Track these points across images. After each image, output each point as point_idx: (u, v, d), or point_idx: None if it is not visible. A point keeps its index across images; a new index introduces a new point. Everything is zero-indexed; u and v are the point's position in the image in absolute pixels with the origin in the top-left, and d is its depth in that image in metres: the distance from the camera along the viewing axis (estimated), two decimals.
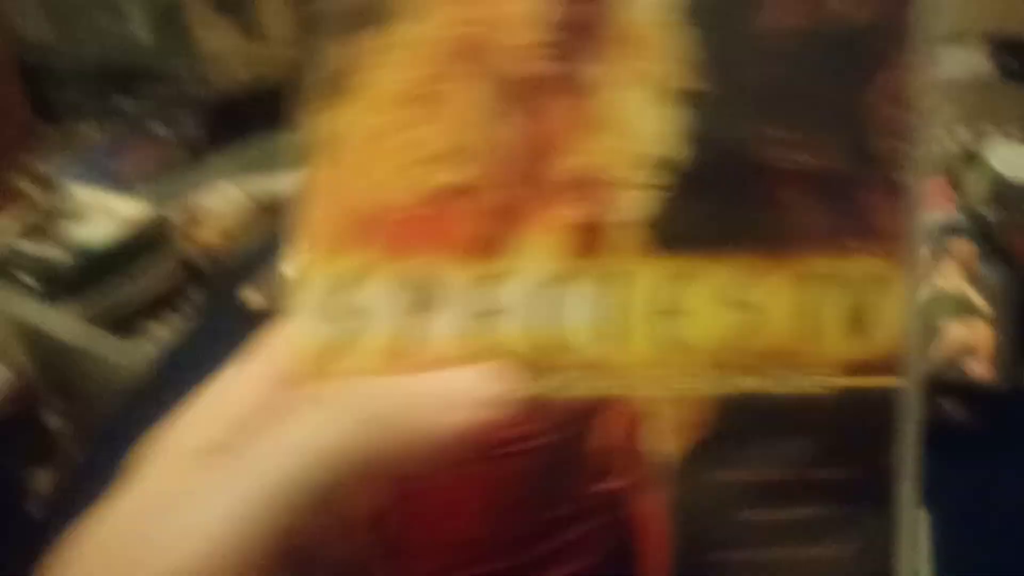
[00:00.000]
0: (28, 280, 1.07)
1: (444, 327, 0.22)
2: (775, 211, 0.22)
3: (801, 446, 0.23)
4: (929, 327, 0.59)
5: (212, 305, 0.89)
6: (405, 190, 0.22)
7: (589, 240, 0.22)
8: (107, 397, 0.93)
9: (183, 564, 0.19)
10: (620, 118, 0.22)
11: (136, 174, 1.29)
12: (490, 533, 0.22)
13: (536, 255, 0.22)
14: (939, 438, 0.55)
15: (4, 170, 1.91)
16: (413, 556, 0.22)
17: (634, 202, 0.22)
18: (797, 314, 0.22)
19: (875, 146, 0.22)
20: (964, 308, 0.60)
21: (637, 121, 0.22)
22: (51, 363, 1.06)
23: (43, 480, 1.00)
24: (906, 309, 0.23)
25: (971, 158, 0.70)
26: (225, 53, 1.37)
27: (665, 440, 0.22)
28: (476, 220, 0.22)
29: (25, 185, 1.83)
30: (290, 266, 0.22)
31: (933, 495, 0.53)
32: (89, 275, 1.06)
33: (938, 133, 0.88)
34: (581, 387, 0.22)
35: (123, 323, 1.05)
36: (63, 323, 1.05)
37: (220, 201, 1.11)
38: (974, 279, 0.62)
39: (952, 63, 1.17)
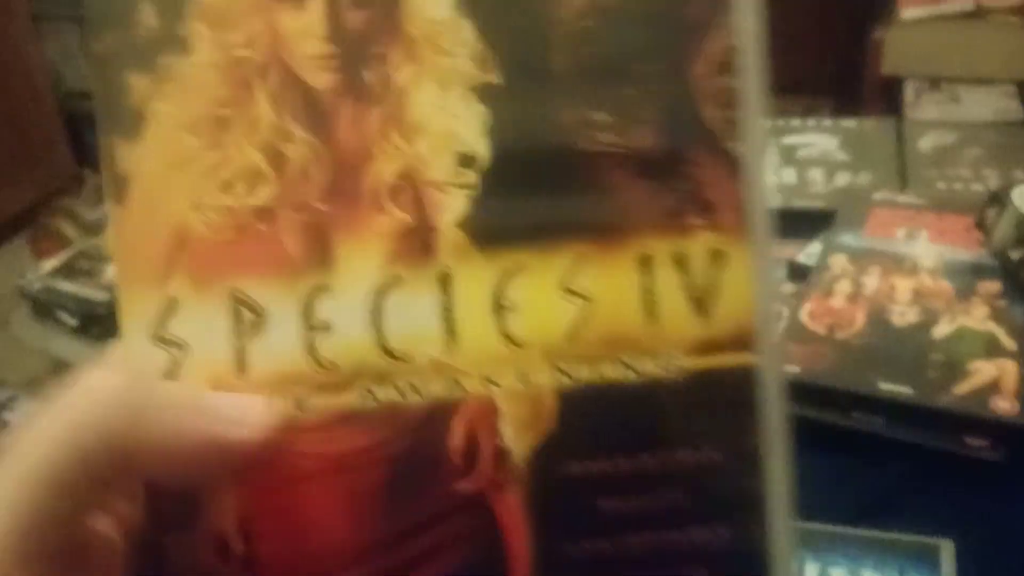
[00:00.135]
0: (67, 319, 1.10)
1: (274, 346, 0.22)
2: (605, 197, 0.22)
3: (654, 431, 0.22)
4: (957, 365, 0.59)
5: None
6: (206, 217, 0.22)
7: (413, 245, 0.22)
8: None
9: None
10: (424, 120, 0.22)
11: None
12: (355, 540, 0.22)
13: (360, 266, 0.22)
14: (966, 471, 0.55)
15: (48, 214, 1.96)
16: (279, 568, 0.22)
17: (452, 203, 0.22)
18: (637, 299, 0.22)
19: (704, 118, 0.22)
20: (991, 346, 0.61)
21: (442, 121, 0.22)
22: None
23: None
24: (754, 283, 0.22)
25: (998, 200, 0.71)
26: None
27: (516, 437, 0.22)
28: (284, 239, 0.22)
29: (67, 228, 1.88)
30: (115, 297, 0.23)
31: (959, 526, 0.53)
32: None
33: (965, 174, 0.89)
34: (426, 391, 0.22)
35: None
36: None
37: None
38: (1001, 318, 0.63)
39: (981, 107, 1.17)
